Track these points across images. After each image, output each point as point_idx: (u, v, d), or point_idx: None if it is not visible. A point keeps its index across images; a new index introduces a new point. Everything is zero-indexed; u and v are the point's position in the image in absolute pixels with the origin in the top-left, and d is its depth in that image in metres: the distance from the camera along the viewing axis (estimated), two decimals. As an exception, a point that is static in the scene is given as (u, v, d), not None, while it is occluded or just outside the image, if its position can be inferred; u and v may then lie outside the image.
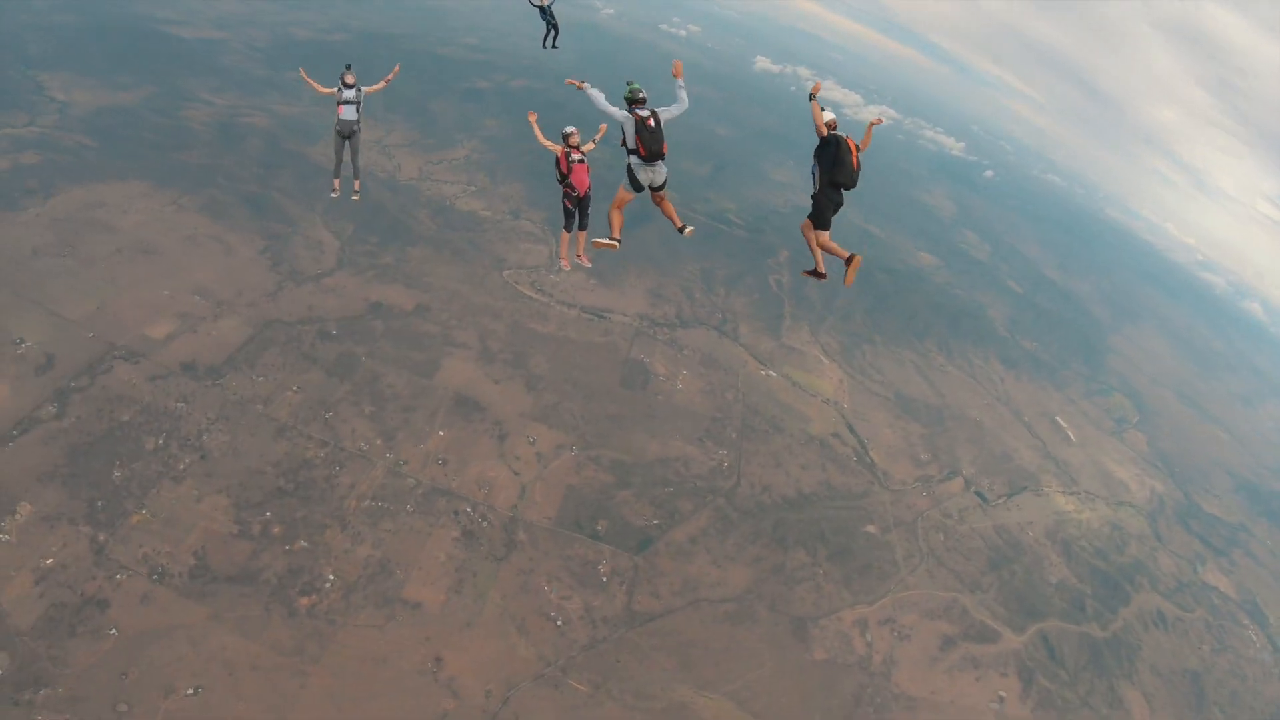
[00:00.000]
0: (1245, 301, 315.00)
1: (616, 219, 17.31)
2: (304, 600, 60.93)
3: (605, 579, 69.02)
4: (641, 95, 15.62)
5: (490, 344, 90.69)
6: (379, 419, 76.62)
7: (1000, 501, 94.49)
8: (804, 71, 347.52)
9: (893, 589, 77.01)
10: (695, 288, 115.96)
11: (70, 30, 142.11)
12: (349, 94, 23.09)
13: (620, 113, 15.66)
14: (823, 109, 15.03)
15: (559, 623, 64.70)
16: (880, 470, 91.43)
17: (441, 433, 77.26)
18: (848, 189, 15.13)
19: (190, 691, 53.85)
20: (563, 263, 20.46)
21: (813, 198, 15.61)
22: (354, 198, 27.60)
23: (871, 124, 16.51)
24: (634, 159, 15.82)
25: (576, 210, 18.79)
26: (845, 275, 15.53)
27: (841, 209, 15.71)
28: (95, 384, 71.45)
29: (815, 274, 16.55)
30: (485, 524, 70.17)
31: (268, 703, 54.82)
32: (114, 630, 55.53)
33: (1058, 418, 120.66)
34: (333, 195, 27.65)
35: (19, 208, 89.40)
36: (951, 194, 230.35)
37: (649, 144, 15.44)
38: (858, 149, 15.05)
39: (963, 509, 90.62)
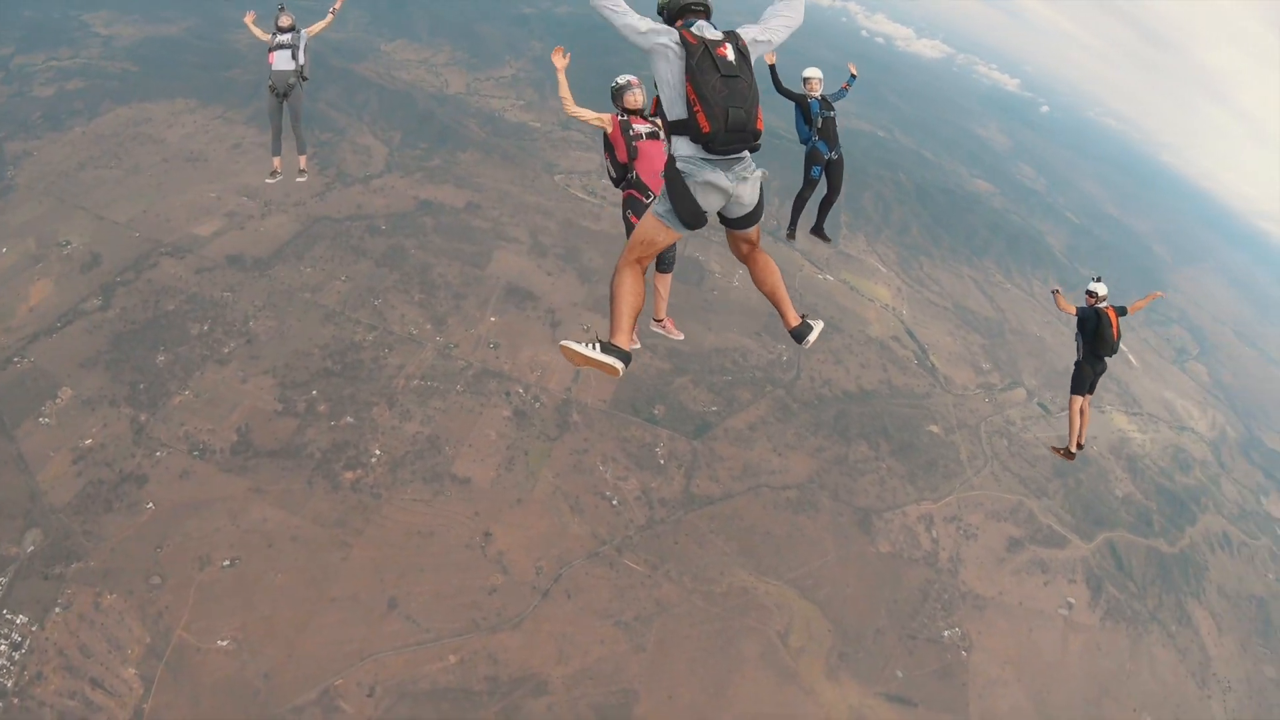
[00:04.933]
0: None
1: (629, 298, 7.32)
2: (349, 474, 59.87)
3: (663, 461, 67.36)
4: None
5: (542, 239, 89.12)
6: (429, 306, 75.43)
7: (1063, 414, 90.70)
8: (853, 7, 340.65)
9: (958, 488, 74.72)
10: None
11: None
12: (283, 38, 17.63)
13: (649, 25, 6.68)
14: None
15: (614, 502, 63.33)
16: (941, 374, 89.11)
17: (493, 319, 75.89)
18: (1109, 357, 16.10)
19: (226, 563, 52.98)
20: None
21: (1076, 364, 16.64)
22: (299, 179, 20.58)
23: (1150, 297, 17.84)
24: (682, 145, 6.50)
25: None
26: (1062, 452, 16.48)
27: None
28: (141, 278, 70.86)
29: (1065, 453, 16.07)
30: (538, 405, 68.86)
31: (308, 574, 53.79)
32: (150, 505, 54.75)
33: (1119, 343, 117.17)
34: (269, 181, 20.63)
35: (64, 128, 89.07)
36: (1006, 128, 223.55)
37: (716, 103, 6.13)
38: (1118, 318, 16.19)
39: (1025, 418, 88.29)
